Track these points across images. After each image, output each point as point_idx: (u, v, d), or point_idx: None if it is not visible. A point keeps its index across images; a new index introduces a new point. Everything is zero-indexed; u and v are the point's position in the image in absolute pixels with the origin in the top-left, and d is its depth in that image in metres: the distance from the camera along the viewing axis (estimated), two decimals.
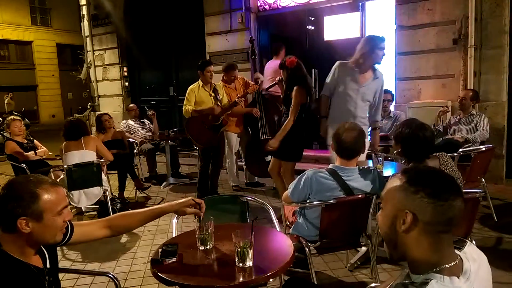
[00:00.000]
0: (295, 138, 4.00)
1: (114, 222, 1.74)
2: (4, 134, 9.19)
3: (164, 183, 6.05)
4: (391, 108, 5.37)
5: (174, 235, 2.13)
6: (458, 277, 0.98)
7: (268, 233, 1.97)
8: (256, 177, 5.75)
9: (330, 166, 2.43)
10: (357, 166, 2.43)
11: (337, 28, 6.43)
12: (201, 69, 4.84)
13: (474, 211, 2.28)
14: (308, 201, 2.44)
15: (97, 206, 4.55)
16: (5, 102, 16.88)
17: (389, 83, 5.76)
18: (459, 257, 1.03)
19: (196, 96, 4.81)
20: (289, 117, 3.88)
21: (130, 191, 5.51)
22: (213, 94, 4.80)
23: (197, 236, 1.79)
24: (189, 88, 4.90)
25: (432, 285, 0.95)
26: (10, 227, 1.34)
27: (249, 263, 1.59)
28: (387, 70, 5.91)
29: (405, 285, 1.02)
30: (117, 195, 5.03)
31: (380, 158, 3.13)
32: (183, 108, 4.85)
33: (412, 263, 1.06)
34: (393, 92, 5.63)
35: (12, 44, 18.73)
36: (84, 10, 9.32)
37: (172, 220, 2.24)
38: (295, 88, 3.91)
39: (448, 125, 4.75)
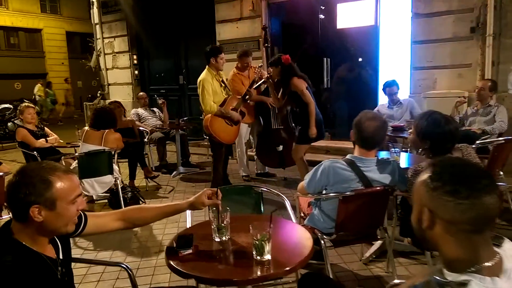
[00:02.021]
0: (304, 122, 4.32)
1: (129, 215, 1.70)
2: (15, 121, 9.26)
3: (174, 172, 6.03)
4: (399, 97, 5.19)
5: (187, 226, 2.09)
6: (499, 277, 0.92)
7: (286, 226, 1.91)
8: (266, 167, 5.71)
9: (348, 156, 2.36)
10: (376, 157, 2.36)
11: (350, 16, 6.30)
12: (214, 55, 4.51)
13: None
14: (324, 192, 2.38)
15: (108, 195, 4.55)
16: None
17: (404, 73, 5.66)
18: (498, 255, 0.97)
19: (212, 86, 4.52)
20: (308, 103, 4.25)
21: (140, 180, 5.51)
22: (223, 84, 4.68)
23: (212, 227, 1.74)
24: (203, 78, 4.50)
25: (472, 286, 0.89)
26: (23, 216, 1.30)
27: (267, 256, 1.54)
28: (402, 59, 5.81)
29: (440, 284, 0.95)
30: (127, 184, 5.02)
31: (397, 149, 3.05)
32: (205, 103, 4.46)
33: (445, 259, 1.00)
34: (407, 82, 5.54)
35: (22, 32, 18.71)
36: None
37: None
38: (293, 79, 4.28)
39: (465, 116, 4.62)
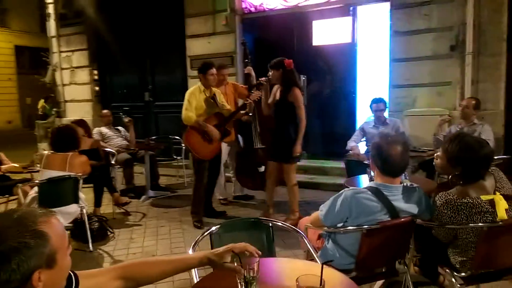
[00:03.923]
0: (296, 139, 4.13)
1: (131, 272, 1.32)
2: None
3: (144, 196, 5.55)
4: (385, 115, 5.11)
5: (194, 274, 1.68)
6: None
7: (334, 279, 1.54)
8: (245, 189, 5.37)
9: (372, 184, 2.08)
10: (402, 184, 2.10)
11: (327, 33, 6.19)
12: (202, 72, 4.33)
13: None
14: (342, 225, 2.09)
15: (72, 225, 3.99)
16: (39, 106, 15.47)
17: (383, 91, 5.57)
18: None
19: (196, 101, 4.33)
20: (302, 119, 4.07)
21: (105, 206, 4.94)
22: (211, 101, 4.36)
23: (239, 280, 1.38)
24: (189, 91, 4.39)
25: None
26: None
27: None
28: (381, 77, 5.75)
29: None
30: (92, 212, 4.47)
31: (405, 173, 2.82)
32: (184, 113, 4.28)
33: None
34: (386, 100, 5.43)
35: None
36: (50, 9, 8.61)
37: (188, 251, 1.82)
38: (293, 89, 4.08)
39: (449, 135, 4.55)
